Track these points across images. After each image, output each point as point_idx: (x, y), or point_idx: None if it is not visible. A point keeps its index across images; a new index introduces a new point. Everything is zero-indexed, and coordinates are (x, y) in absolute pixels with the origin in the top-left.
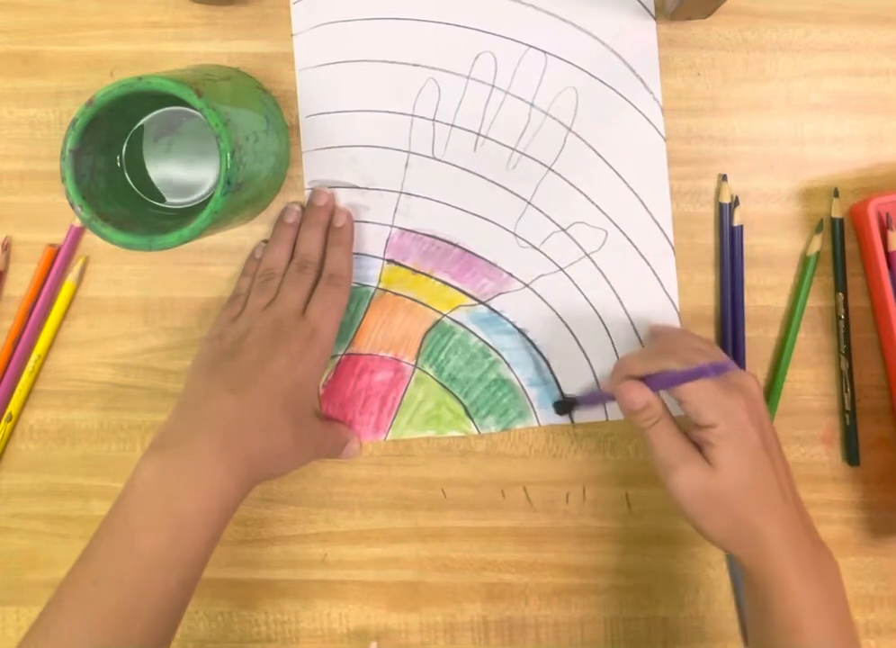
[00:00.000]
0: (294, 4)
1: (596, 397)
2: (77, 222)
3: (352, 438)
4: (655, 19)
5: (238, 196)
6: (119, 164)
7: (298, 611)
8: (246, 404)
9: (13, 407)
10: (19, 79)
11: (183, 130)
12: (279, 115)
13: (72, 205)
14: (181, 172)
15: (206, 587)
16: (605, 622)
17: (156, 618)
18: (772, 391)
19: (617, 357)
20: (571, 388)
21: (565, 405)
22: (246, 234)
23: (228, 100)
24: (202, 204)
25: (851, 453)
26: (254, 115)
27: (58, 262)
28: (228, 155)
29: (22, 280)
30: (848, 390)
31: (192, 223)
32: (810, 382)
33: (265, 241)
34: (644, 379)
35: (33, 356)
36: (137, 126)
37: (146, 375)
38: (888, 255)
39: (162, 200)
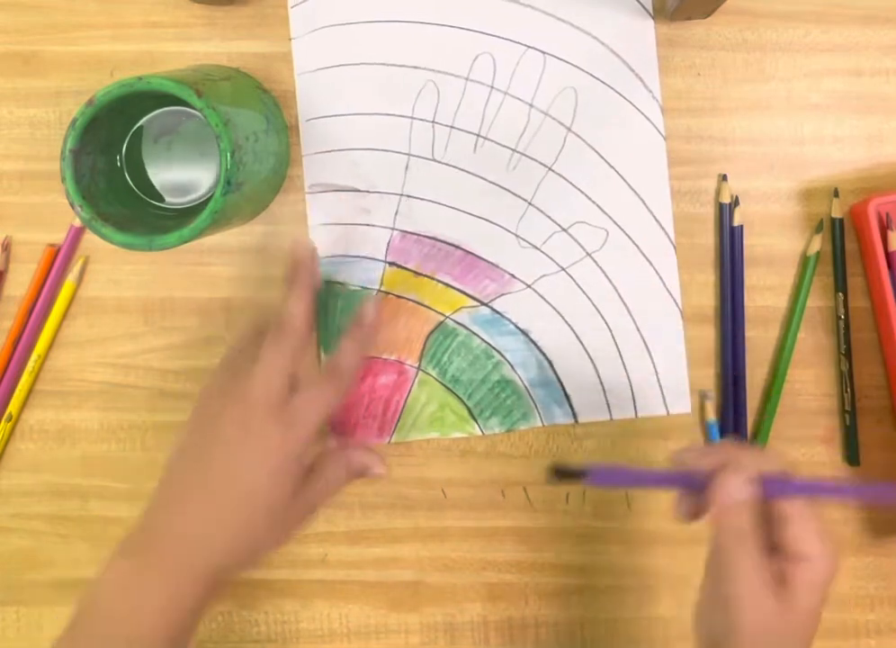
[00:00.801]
0: (292, 7)
1: (638, 478)
2: (77, 222)
3: (370, 464)
4: (653, 18)
5: (238, 196)
6: (119, 164)
7: (298, 611)
8: (212, 507)
9: (13, 407)
10: (19, 79)
11: (183, 130)
12: (279, 115)
13: (72, 205)
14: (181, 172)
15: None
16: (605, 622)
17: None
18: (772, 391)
19: (620, 357)
20: (575, 388)
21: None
22: (247, 234)
23: (228, 100)
24: (202, 204)
25: (851, 453)
26: (254, 115)
27: (58, 262)
28: (228, 155)
29: (22, 280)
30: (848, 390)
31: (192, 223)
32: (810, 382)
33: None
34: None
35: (33, 356)
36: (137, 126)
37: (146, 375)
38: (888, 255)
39: (162, 200)
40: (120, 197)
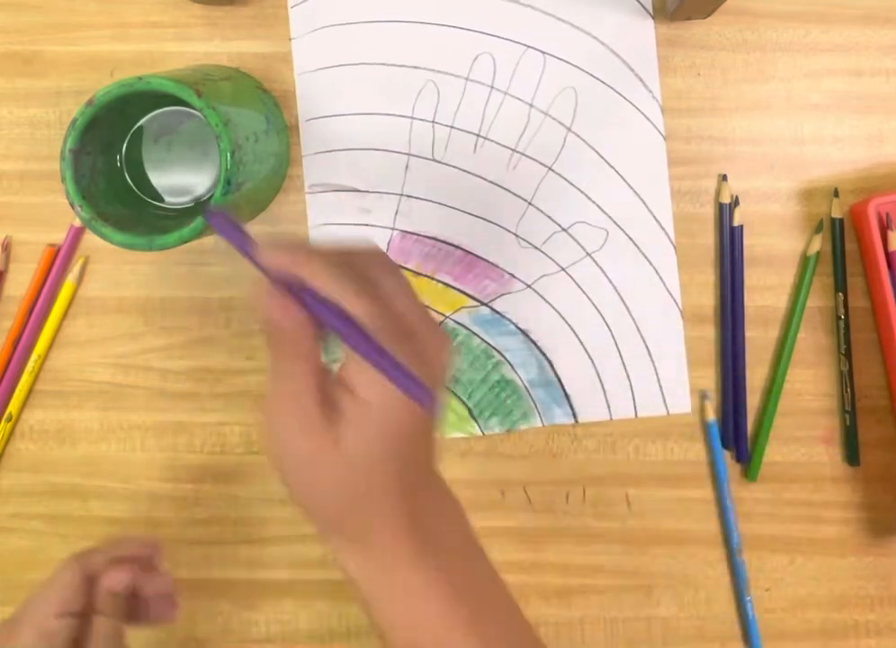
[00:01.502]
0: (292, 8)
1: (243, 242)
2: (77, 222)
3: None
4: (653, 18)
5: (239, 196)
6: (119, 164)
7: (298, 611)
8: None
9: (13, 407)
10: (19, 79)
11: (183, 130)
12: (279, 115)
13: (72, 205)
14: (181, 172)
15: (206, 587)
16: (605, 622)
17: None
18: (772, 391)
19: (620, 357)
20: (574, 388)
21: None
22: None
23: (228, 100)
24: (202, 204)
25: (851, 453)
26: (254, 115)
27: (58, 262)
28: (228, 155)
29: (22, 280)
30: (848, 390)
31: (192, 223)
32: (810, 382)
33: None
34: (315, 298)
35: (33, 356)
36: (137, 126)
37: (146, 375)
38: (888, 255)
39: (162, 200)
40: (120, 197)
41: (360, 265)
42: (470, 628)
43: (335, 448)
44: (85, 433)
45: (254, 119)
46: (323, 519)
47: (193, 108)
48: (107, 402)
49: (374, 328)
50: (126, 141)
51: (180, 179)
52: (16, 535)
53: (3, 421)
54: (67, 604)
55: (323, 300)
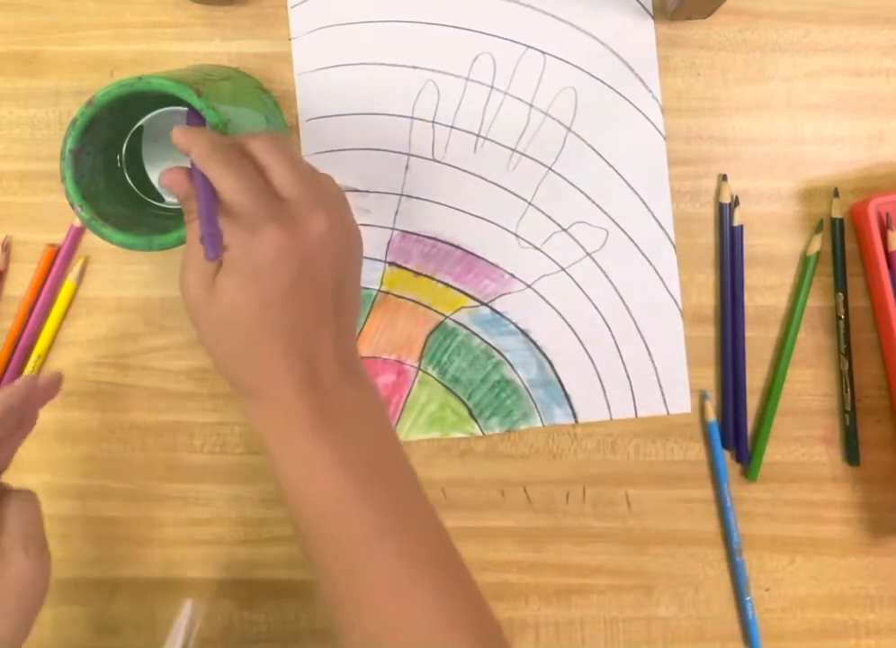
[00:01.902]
0: (292, 8)
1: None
2: (77, 222)
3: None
4: (653, 18)
5: None
6: (119, 164)
7: (298, 611)
8: None
9: None
10: (19, 79)
11: None
12: (279, 115)
13: (72, 205)
14: None
15: (206, 587)
16: (605, 622)
17: None
18: (772, 391)
19: (620, 357)
20: (574, 388)
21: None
22: None
23: (228, 100)
24: None
25: (851, 453)
26: (254, 115)
27: (58, 262)
28: None
29: (22, 280)
30: (848, 390)
31: None
32: (810, 382)
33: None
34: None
35: (33, 356)
36: (137, 126)
37: (146, 375)
38: (888, 255)
39: (162, 200)
40: (120, 197)
41: (252, 148)
42: (359, 500)
43: (212, 294)
44: (84, 433)
45: (254, 119)
46: (221, 369)
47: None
48: (107, 402)
49: (226, 195)
50: (126, 141)
51: None
52: None
53: None
54: None
55: (198, 173)
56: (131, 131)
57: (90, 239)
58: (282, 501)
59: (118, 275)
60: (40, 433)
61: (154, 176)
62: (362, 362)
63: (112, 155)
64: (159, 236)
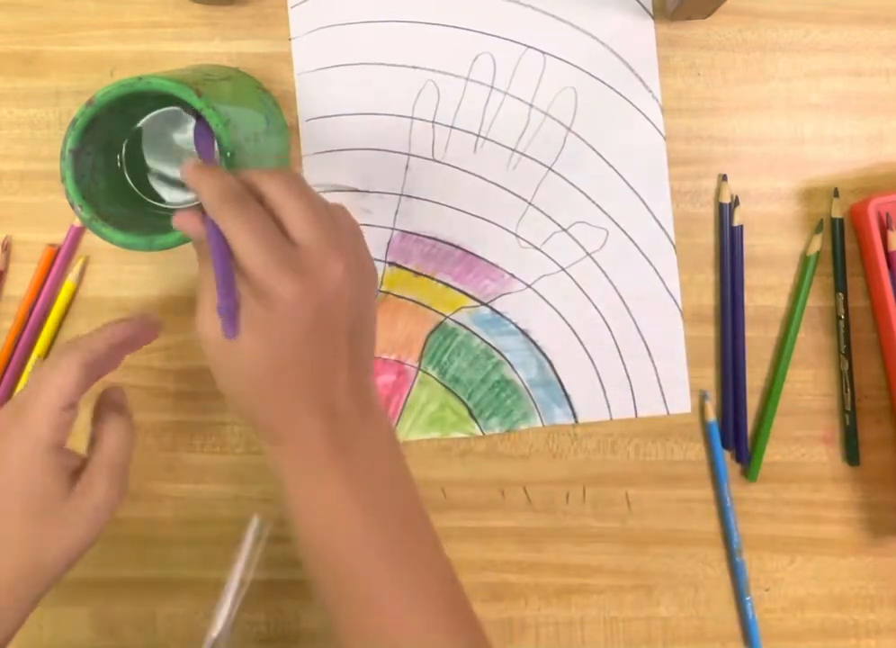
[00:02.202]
0: (292, 8)
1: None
2: (77, 222)
3: (130, 441)
4: (653, 18)
5: None
6: (119, 164)
7: (298, 611)
8: None
9: None
10: (19, 79)
11: (183, 130)
12: (279, 115)
13: (72, 205)
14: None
15: (206, 587)
16: (605, 622)
17: None
18: (772, 391)
19: (620, 357)
20: (574, 388)
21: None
22: None
23: (228, 100)
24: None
25: (851, 453)
26: (254, 115)
27: (58, 262)
28: (229, 155)
29: (22, 280)
30: (848, 390)
31: None
32: (810, 382)
33: None
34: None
35: (33, 356)
36: (137, 126)
37: (146, 375)
38: (888, 255)
39: (162, 200)
40: (121, 197)
41: (266, 189)
42: (373, 535)
43: (229, 345)
44: (84, 433)
45: (254, 119)
46: (240, 414)
47: (194, 108)
48: None
49: (238, 247)
50: (126, 141)
51: (180, 179)
52: None
53: None
54: (72, 396)
55: (213, 226)
56: (131, 131)
57: (90, 239)
58: (294, 536)
59: (118, 275)
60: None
61: (154, 176)
62: (378, 396)
63: (112, 155)
64: (159, 236)
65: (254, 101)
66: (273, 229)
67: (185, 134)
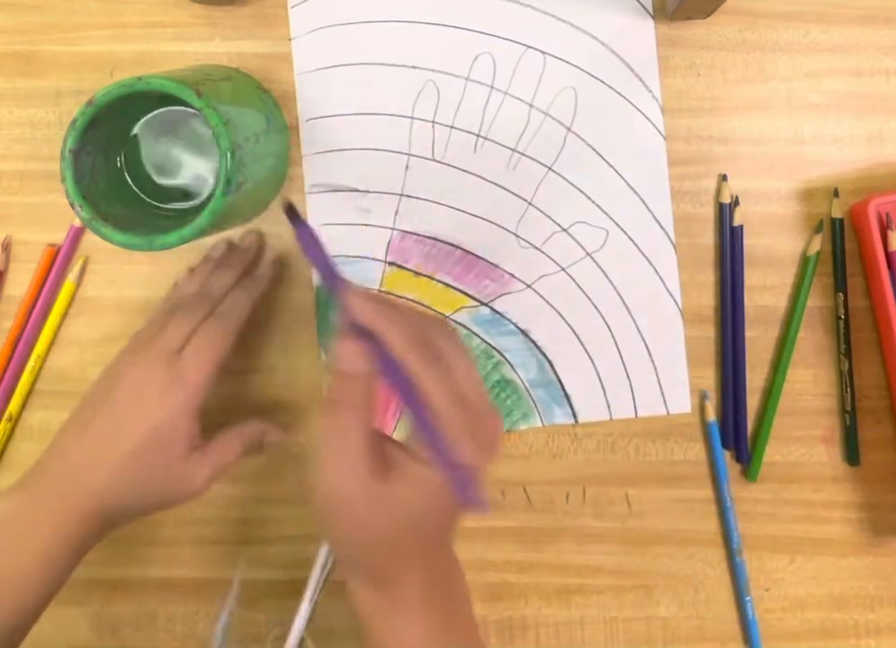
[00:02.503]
0: (292, 8)
1: (329, 270)
2: (77, 222)
3: (269, 431)
4: (653, 18)
5: (239, 196)
6: (119, 164)
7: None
8: (101, 453)
9: (13, 407)
10: (19, 79)
11: (183, 130)
12: (279, 115)
13: (72, 205)
14: (181, 172)
15: (206, 587)
16: (605, 622)
17: None
18: (772, 391)
19: (620, 357)
20: (574, 388)
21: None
22: None
23: (228, 100)
24: (203, 204)
25: (851, 453)
26: (254, 115)
27: (58, 262)
28: (229, 155)
29: (22, 280)
30: (848, 390)
31: (193, 222)
32: (810, 382)
33: (193, 268)
34: (386, 357)
35: (33, 356)
36: (137, 126)
37: None
38: (888, 255)
39: (162, 200)
40: (121, 197)
41: (429, 331)
42: None
43: (384, 499)
44: None
45: (254, 119)
46: (352, 557)
47: (193, 108)
48: None
49: (437, 405)
50: (126, 141)
51: (180, 180)
52: None
53: (3, 421)
54: (223, 360)
55: (393, 362)
56: (132, 132)
57: (90, 239)
58: None
59: (118, 275)
60: (41, 433)
61: (154, 176)
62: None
63: (112, 155)
64: (160, 235)
65: (254, 101)
66: (452, 382)
67: (184, 135)
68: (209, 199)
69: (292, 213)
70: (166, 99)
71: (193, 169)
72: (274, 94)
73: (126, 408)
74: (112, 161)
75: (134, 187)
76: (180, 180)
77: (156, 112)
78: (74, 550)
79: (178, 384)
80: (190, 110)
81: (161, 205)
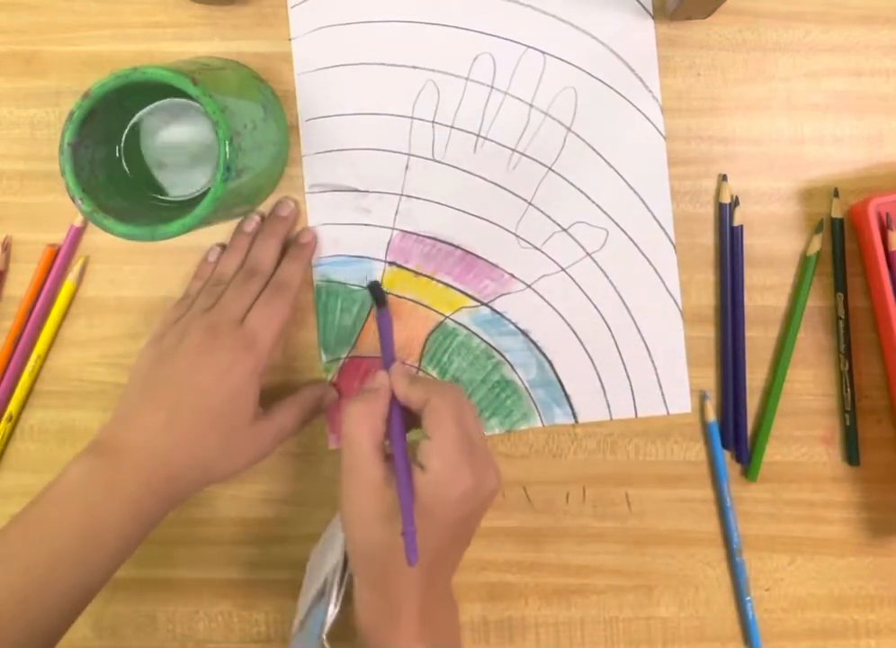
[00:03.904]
0: (292, 8)
1: (388, 337)
2: (77, 222)
3: (326, 392)
4: (653, 18)
5: (239, 183)
6: (118, 156)
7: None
8: (170, 422)
9: (13, 407)
10: (19, 79)
11: (181, 122)
12: (278, 106)
13: (73, 199)
14: (180, 164)
15: (206, 587)
16: (605, 622)
17: (52, 612)
18: (772, 391)
19: (620, 357)
20: (575, 388)
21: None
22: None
23: (225, 88)
24: (203, 195)
25: (851, 453)
26: (251, 103)
27: (58, 262)
28: (227, 142)
29: (22, 280)
30: (848, 390)
31: (193, 212)
32: (810, 382)
33: (221, 245)
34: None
35: (33, 356)
36: (135, 118)
37: None
38: (888, 255)
39: (162, 192)
40: (121, 190)
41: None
42: None
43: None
44: (84, 433)
45: (251, 107)
46: (364, 583)
47: (191, 98)
48: (107, 402)
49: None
50: (125, 134)
51: (180, 171)
52: None
53: (3, 421)
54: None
55: (400, 437)
56: (130, 124)
57: (90, 239)
58: None
59: (118, 275)
60: (41, 433)
61: (153, 168)
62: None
63: (111, 148)
64: (161, 225)
65: (251, 90)
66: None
67: (183, 126)
68: (209, 189)
69: (378, 294)
70: (164, 91)
71: (193, 161)
72: (272, 84)
73: (196, 376)
74: (111, 154)
75: (134, 180)
76: (179, 172)
77: (154, 104)
78: (146, 518)
79: (247, 350)
80: (188, 101)
81: (161, 197)
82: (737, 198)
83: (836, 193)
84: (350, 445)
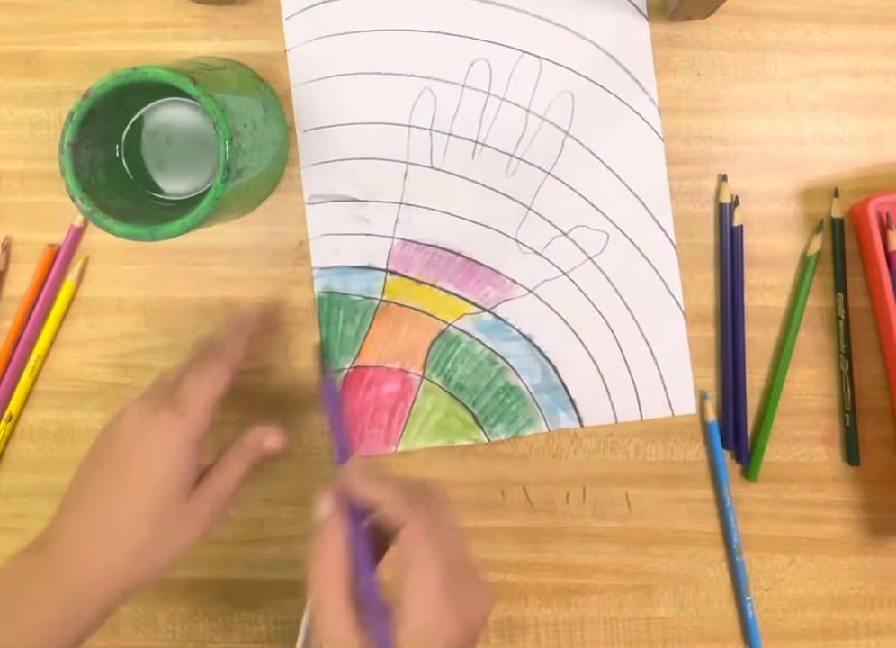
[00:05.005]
0: (287, 19)
1: (340, 430)
2: (77, 222)
3: (266, 436)
4: (648, 20)
5: (239, 183)
6: (118, 156)
7: (298, 611)
8: (106, 516)
9: (13, 407)
10: (19, 79)
11: (181, 122)
12: (277, 105)
13: (73, 198)
14: (180, 164)
15: (206, 587)
16: (605, 622)
17: None
18: (772, 391)
19: (624, 360)
20: (579, 392)
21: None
22: (247, 235)
23: (225, 88)
24: (203, 195)
25: (851, 453)
26: (251, 103)
27: (58, 262)
28: (227, 141)
29: (22, 280)
30: (848, 390)
31: (194, 211)
32: (810, 382)
33: None
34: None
35: (33, 356)
36: (135, 118)
37: (146, 375)
38: (888, 255)
39: (162, 192)
40: (121, 190)
41: (423, 500)
42: None
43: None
44: (84, 433)
45: (251, 106)
46: None
47: (191, 98)
48: (107, 402)
49: (430, 577)
50: (125, 134)
51: (180, 171)
52: (17, 535)
53: (3, 421)
54: (222, 394)
55: (362, 530)
56: (129, 124)
57: (90, 239)
58: None
59: (118, 275)
60: (41, 433)
61: (153, 169)
62: None
63: (111, 148)
64: (162, 225)
65: (250, 89)
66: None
67: (183, 126)
68: (209, 189)
69: (322, 359)
70: (164, 91)
71: (193, 161)
72: (272, 84)
73: (130, 457)
74: (111, 154)
75: (134, 180)
76: (179, 173)
77: (153, 103)
78: (85, 626)
79: (178, 415)
80: (188, 100)
81: (162, 197)
82: (737, 198)
83: (836, 193)
84: (314, 602)
